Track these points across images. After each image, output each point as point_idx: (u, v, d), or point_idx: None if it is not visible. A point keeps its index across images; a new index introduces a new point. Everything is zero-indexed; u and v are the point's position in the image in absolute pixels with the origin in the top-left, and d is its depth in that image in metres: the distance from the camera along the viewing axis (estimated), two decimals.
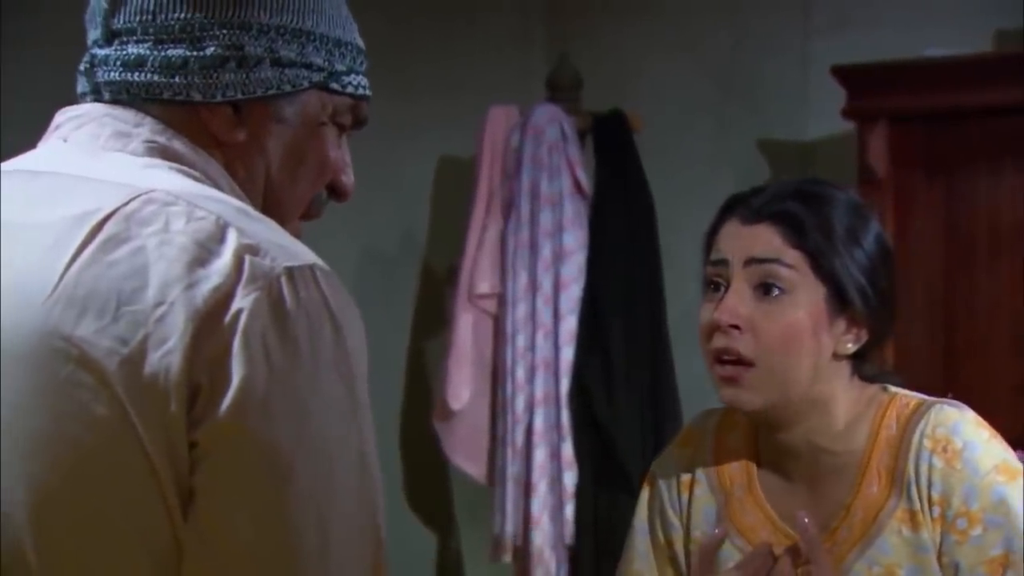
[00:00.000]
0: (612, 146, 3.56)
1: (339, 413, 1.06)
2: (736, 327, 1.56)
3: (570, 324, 3.49)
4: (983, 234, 3.11)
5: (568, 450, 3.46)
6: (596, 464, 3.46)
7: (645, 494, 1.71)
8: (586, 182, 3.54)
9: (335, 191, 1.24)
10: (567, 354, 3.49)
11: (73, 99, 1.22)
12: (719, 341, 1.57)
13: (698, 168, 3.63)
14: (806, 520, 1.53)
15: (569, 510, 3.44)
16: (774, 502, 1.63)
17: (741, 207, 1.60)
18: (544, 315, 3.50)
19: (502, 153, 3.56)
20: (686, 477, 1.68)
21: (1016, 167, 3.07)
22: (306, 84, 1.18)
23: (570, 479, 3.45)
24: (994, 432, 1.58)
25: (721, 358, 1.57)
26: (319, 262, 1.09)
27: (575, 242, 3.51)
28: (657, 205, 3.54)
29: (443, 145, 3.89)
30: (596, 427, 3.47)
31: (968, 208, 3.13)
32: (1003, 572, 1.53)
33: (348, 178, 1.24)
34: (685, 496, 1.67)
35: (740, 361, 1.56)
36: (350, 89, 1.21)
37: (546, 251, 3.50)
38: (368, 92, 1.23)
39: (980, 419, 1.58)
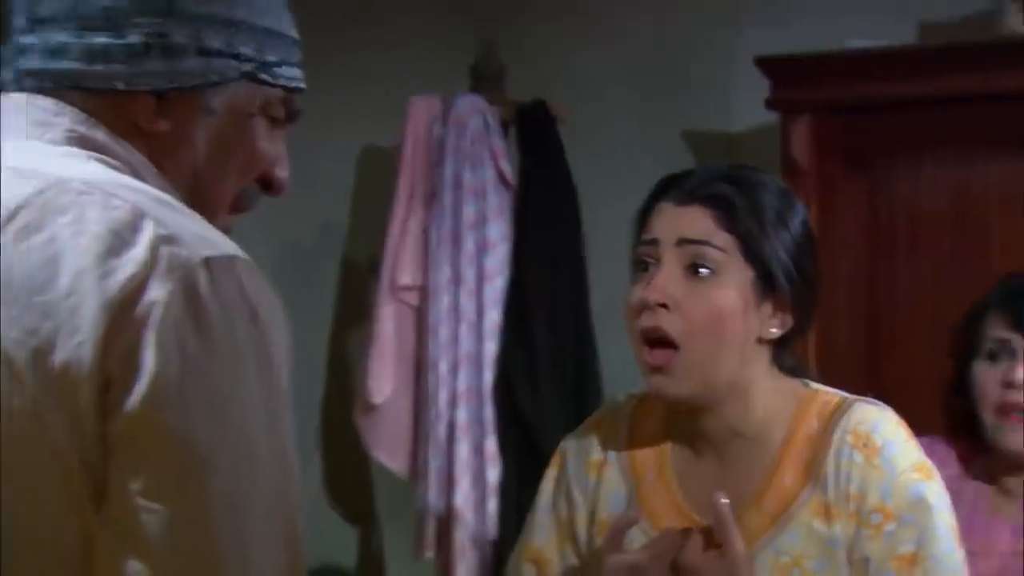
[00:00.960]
0: (536, 136, 3.56)
1: (257, 406, 1.06)
2: (664, 306, 1.58)
3: (494, 317, 3.50)
4: (904, 226, 3.13)
5: (491, 445, 3.47)
6: (520, 459, 3.46)
7: (553, 471, 1.73)
8: (510, 173, 3.54)
9: (267, 185, 1.24)
10: (491, 347, 3.49)
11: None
12: (647, 320, 1.59)
13: (622, 159, 3.63)
14: (724, 501, 1.55)
15: (492, 505, 3.44)
16: (684, 489, 1.65)
17: (674, 188, 1.63)
18: (467, 308, 3.50)
19: (424, 143, 3.55)
20: (596, 458, 1.69)
21: (936, 159, 3.10)
22: (234, 75, 1.17)
23: (493, 474, 3.45)
24: (911, 433, 1.63)
25: (649, 339, 1.59)
26: (240, 253, 1.09)
27: (499, 234, 3.51)
28: (581, 196, 3.55)
29: (364, 135, 3.87)
30: (520, 421, 3.48)
31: (890, 200, 3.14)
32: (911, 570, 1.57)
33: (282, 172, 1.23)
34: (593, 477, 1.69)
35: (666, 342, 1.58)
36: (282, 81, 1.21)
37: (469, 243, 3.50)
38: (301, 84, 1.23)
39: (899, 418, 1.63)
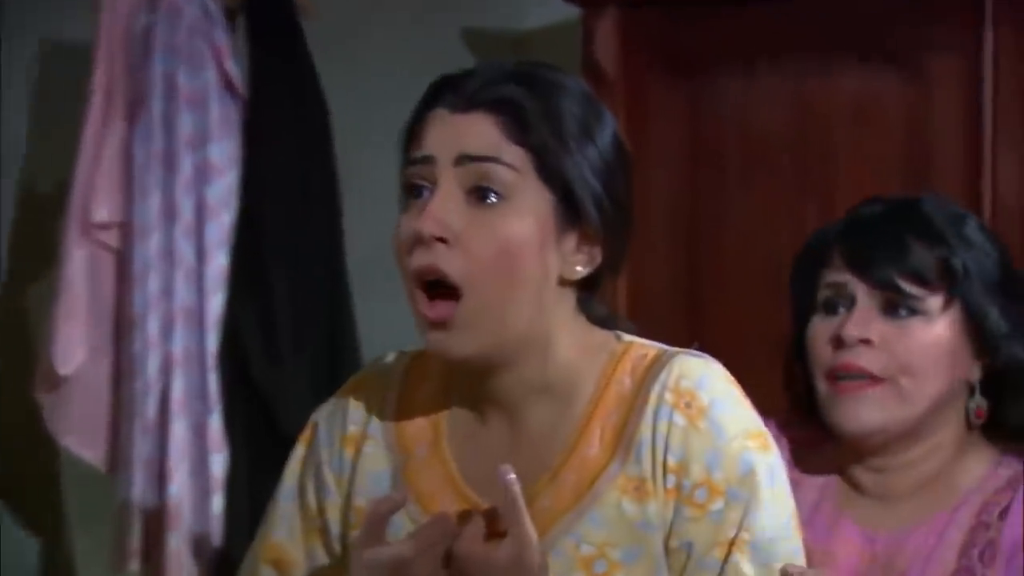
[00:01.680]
0: (272, 30, 3.51)
1: None
2: (443, 240, 1.56)
3: (219, 262, 3.45)
4: (734, 144, 3.17)
5: (216, 424, 3.41)
6: (254, 442, 3.42)
7: (300, 451, 1.73)
8: (238, 76, 3.48)
9: None
10: (215, 301, 3.44)
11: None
12: (420, 258, 1.57)
13: (388, 66, 3.62)
14: (512, 476, 1.52)
15: (217, 502, 3.39)
16: (463, 463, 1.65)
17: (450, 92, 1.61)
18: (184, 250, 3.43)
19: (125, 37, 3.47)
20: (353, 431, 1.69)
21: (773, 67, 3.14)
22: None
23: (218, 462, 3.40)
24: (743, 392, 1.65)
25: (423, 282, 1.57)
26: None
27: (225, 156, 3.45)
28: (334, 110, 3.50)
29: (47, 26, 3.83)
30: (254, 394, 3.44)
31: (716, 113, 3.18)
32: (740, 558, 1.58)
33: None
34: (349, 453, 1.69)
35: (446, 286, 1.57)
36: None
37: (186, 166, 3.43)
38: None
39: (729, 374, 1.64)
